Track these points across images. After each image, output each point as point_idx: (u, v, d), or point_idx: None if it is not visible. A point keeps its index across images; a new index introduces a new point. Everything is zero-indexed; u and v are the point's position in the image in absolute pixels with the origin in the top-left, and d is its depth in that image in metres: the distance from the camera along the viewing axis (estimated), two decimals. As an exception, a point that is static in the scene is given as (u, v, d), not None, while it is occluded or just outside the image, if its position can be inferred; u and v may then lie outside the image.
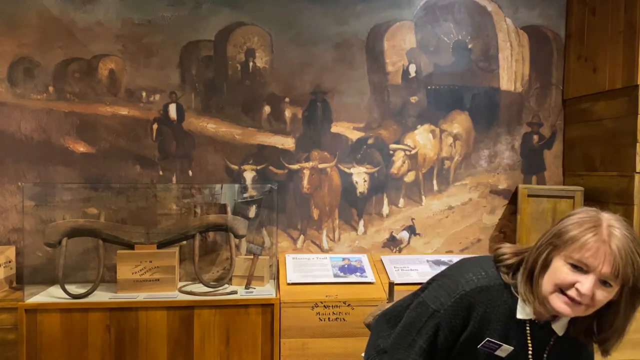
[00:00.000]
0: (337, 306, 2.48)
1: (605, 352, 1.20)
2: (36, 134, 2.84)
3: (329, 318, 2.47)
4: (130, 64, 2.88)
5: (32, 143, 2.84)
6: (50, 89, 2.84)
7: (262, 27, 2.95)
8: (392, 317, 1.45)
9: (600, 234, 1.08)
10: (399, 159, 3.07)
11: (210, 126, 2.94)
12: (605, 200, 2.78)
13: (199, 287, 2.69)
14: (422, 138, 3.08)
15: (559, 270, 1.11)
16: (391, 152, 3.06)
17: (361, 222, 3.06)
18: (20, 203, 2.82)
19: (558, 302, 1.12)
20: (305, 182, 3.01)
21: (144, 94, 2.90)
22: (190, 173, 2.94)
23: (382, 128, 3.05)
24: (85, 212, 2.84)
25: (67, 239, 2.58)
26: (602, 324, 1.17)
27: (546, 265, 1.14)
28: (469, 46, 3.09)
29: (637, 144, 2.57)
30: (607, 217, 1.12)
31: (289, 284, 2.66)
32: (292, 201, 3.02)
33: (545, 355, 1.25)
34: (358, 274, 2.76)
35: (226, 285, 2.72)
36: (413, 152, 3.07)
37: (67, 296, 2.49)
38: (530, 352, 1.23)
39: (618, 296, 1.11)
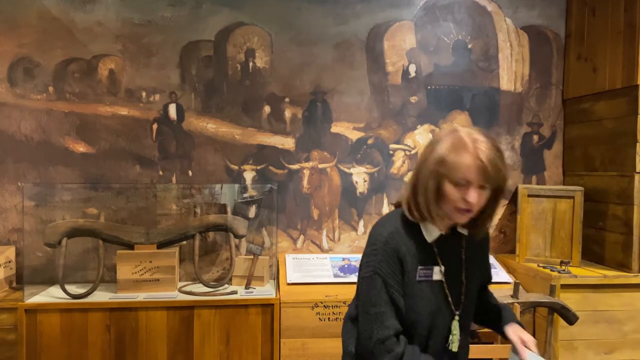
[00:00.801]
0: (337, 306, 2.48)
1: (481, 229, 1.45)
2: (36, 134, 2.84)
3: (329, 318, 2.47)
4: (130, 64, 2.88)
5: (32, 143, 2.84)
6: (50, 89, 2.84)
7: (262, 27, 2.95)
8: (352, 317, 1.54)
9: (473, 154, 1.30)
10: (399, 159, 3.07)
11: (210, 126, 2.94)
12: (605, 200, 2.78)
13: (199, 287, 2.69)
14: (422, 138, 3.08)
15: (451, 193, 1.33)
16: (391, 152, 3.06)
17: (361, 222, 3.06)
18: (20, 203, 2.82)
19: (456, 216, 1.35)
20: (305, 182, 3.01)
21: (144, 94, 2.90)
22: (190, 173, 2.94)
23: (382, 128, 3.05)
24: (85, 212, 2.84)
25: (67, 239, 2.58)
26: (481, 214, 1.41)
27: (440, 193, 1.34)
28: (469, 46, 3.09)
29: (637, 144, 2.57)
30: (470, 135, 1.33)
31: (289, 284, 2.66)
32: (292, 201, 3.02)
33: (463, 257, 1.46)
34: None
35: (226, 285, 2.72)
36: (413, 152, 3.07)
37: (67, 296, 2.49)
38: (442, 268, 1.42)
39: (490, 194, 1.37)
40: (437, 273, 1.41)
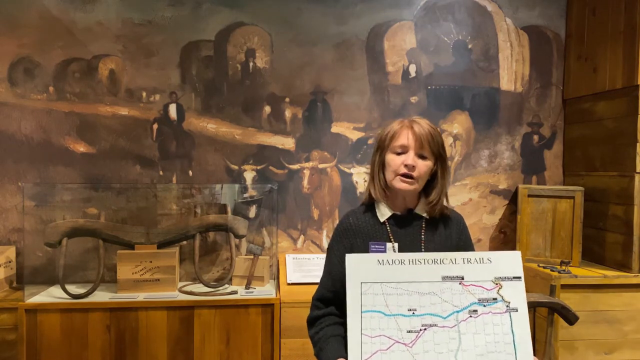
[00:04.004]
0: (337, 306, 2.48)
1: (435, 206, 1.55)
2: (36, 134, 2.84)
3: (329, 318, 2.47)
4: (131, 64, 2.88)
5: (33, 143, 2.84)
6: (51, 89, 2.84)
7: (262, 27, 2.95)
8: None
9: (404, 123, 1.52)
10: (399, 159, 3.07)
11: (211, 126, 2.94)
12: (605, 200, 2.78)
13: (199, 287, 2.69)
14: (422, 138, 3.08)
15: (391, 160, 1.51)
16: (391, 152, 3.06)
17: (361, 222, 3.06)
18: (20, 203, 2.82)
19: (398, 183, 1.50)
20: (305, 182, 3.02)
21: (144, 94, 2.90)
22: (191, 173, 2.94)
23: (382, 128, 3.04)
24: (85, 212, 2.85)
25: (67, 239, 2.58)
26: (431, 191, 1.56)
27: (383, 164, 1.54)
28: (469, 46, 3.09)
29: (637, 144, 2.57)
30: (412, 117, 1.55)
31: (289, 284, 2.66)
32: (292, 201, 3.02)
33: (422, 237, 1.55)
34: (358, 274, 2.76)
35: (226, 285, 2.72)
36: (413, 152, 3.07)
37: (67, 296, 2.49)
38: (394, 245, 1.53)
39: (436, 167, 1.54)
40: (390, 249, 1.53)
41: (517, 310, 1.37)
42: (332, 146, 3.03)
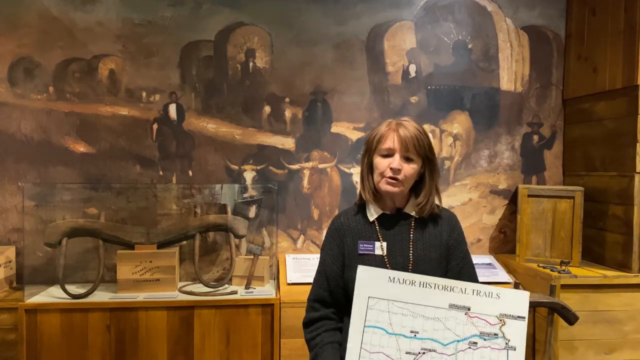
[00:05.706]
0: (337, 306, 2.47)
1: (423, 207, 1.58)
2: (36, 134, 2.84)
3: (329, 318, 2.46)
4: (131, 64, 2.88)
5: (32, 143, 2.84)
6: (51, 89, 2.84)
7: (262, 27, 2.95)
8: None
9: (391, 126, 1.55)
10: (399, 159, 3.07)
11: (211, 126, 2.94)
12: (605, 200, 2.78)
13: (199, 287, 2.69)
14: (422, 138, 3.07)
15: (378, 163, 1.54)
16: (391, 152, 3.06)
17: (361, 222, 3.06)
18: (20, 203, 2.82)
19: (384, 185, 1.53)
20: (305, 182, 3.02)
21: (144, 94, 2.90)
22: (190, 173, 2.94)
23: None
24: (85, 212, 2.85)
25: (67, 239, 2.58)
26: (419, 192, 1.59)
27: (371, 166, 1.58)
28: (469, 46, 3.09)
29: (637, 144, 2.57)
30: (397, 118, 1.58)
31: (289, 284, 2.66)
32: (292, 201, 3.02)
33: (411, 236, 1.57)
34: (358, 274, 2.76)
35: (226, 285, 2.72)
36: (413, 152, 3.07)
37: (67, 296, 2.49)
38: (383, 244, 1.56)
39: (423, 168, 1.57)
40: (379, 248, 1.56)
41: (515, 349, 1.40)
42: (332, 146, 3.03)
